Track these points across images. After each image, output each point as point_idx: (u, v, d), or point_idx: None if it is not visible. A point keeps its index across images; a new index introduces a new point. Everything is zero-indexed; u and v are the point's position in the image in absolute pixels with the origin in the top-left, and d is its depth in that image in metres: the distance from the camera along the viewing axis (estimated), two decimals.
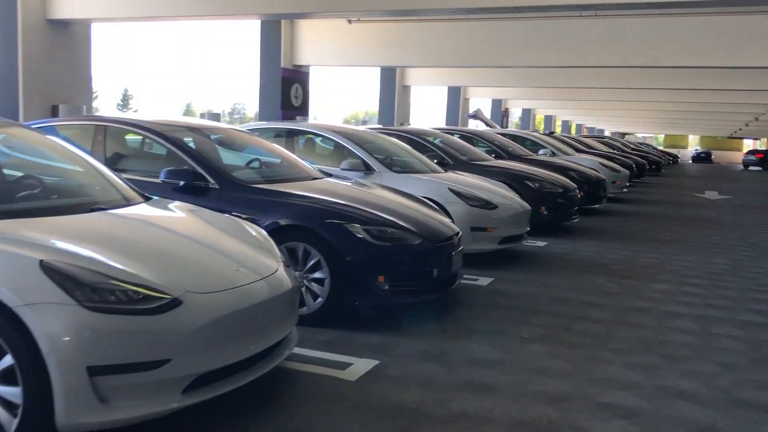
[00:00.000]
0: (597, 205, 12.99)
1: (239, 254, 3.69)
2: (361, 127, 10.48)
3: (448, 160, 10.10)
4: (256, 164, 6.34)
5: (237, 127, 8.33)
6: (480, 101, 26.97)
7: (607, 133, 58.75)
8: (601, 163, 15.15)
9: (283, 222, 4.94)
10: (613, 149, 26.74)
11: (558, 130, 43.89)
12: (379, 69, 18.26)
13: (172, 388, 2.95)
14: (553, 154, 15.12)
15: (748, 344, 4.98)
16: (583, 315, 5.61)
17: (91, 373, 2.74)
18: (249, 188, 5.23)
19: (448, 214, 6.95)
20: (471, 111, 21.83)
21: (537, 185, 9.86)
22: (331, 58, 13.35)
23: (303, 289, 4.89)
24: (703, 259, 8.48)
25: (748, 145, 76.29)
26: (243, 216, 4.93)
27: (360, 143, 7.88)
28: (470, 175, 8.84)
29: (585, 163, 14.70)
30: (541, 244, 9.07)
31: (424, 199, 6.41)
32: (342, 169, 7.43)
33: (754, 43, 12.25)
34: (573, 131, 47.02)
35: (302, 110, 13.66)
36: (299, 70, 13.76)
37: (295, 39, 13.28)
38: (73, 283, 2.81)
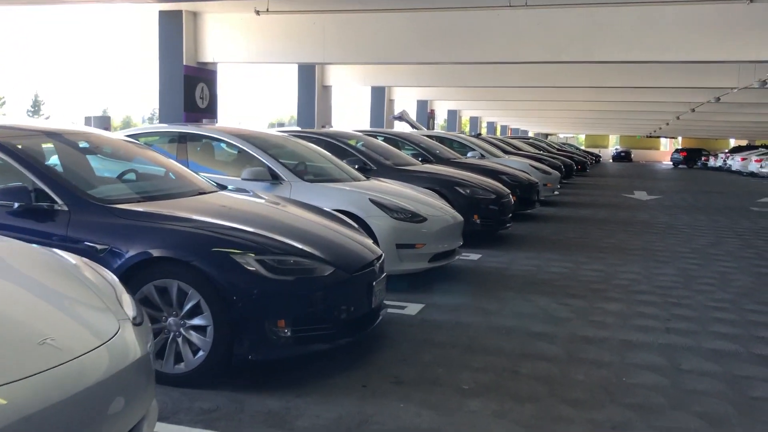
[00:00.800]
0: (530, 210, 12.27)
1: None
2: (273, 130, 9.35)
3: (371, 165, 9.12)
4: (131, 177, 5.17)
5: (117, 133, 7.09)
6: (405, 102, 26.16)
7: (530, 134, 59.36)
8: (531, 165, 14.48)
9: (153, 253, 3.80)
10: (540, 150, 26.52)
11: (483, 131, 43.74)
12: (296, 67, 17.12)
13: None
14: (482, 157, 14.37)
15: (727, 384, 4.16)
16: (532, 351, 4.69)
17: None
18: (109, 210, 4.05)
19: (369, 231, 5.97)
20: (396, 112, 20.96)
21: (468, 191, 8.99)
22: (241, 54, 12.13)
23: (180, 339, 3.77)
24: (649, 270, 7.76)
25: (665, 144, 78.87)
26: (98, 246, 3.79)
27: (265, 148, 6.78)
28: (395, 182, 7.87)
29: (515, 165, 14.00)
30: (474, 257, 8.18)
31: (341, 214, 5.39)
32: (243, 179, 6.32)
33: (683, 37, 11.74)
34: (498, 133, 46.99)
35: (209, 112, 12.42)
36: (205, 68, 12.49)
37: (199, 33, 12.01)
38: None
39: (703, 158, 51.90)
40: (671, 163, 53.68)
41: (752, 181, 29.65)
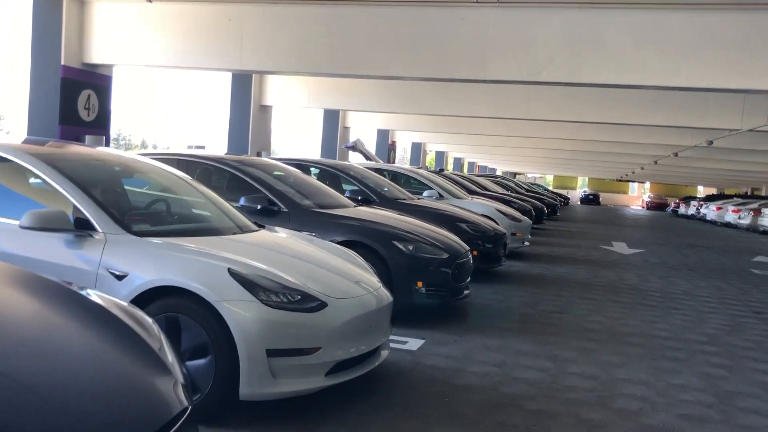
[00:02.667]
0: (496, 267, 9.87)
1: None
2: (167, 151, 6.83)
3: (279, 205, 6.64)
4: None
5: None
6: (364, 131, 23.81)
7: (498, 173, 57.67)
8: (498, 210, 12.11)
9: None
10: (508, 191, 24.39)
11: (450, 167, 41.67)
12: (230, 81, 14.63)
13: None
14: (440, 198, 11.98)
15: None
16: None
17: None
18: None
19: (220, 327, 3.51)
20: (350, 141, 18.56)
21: (411, 248, 6.54)
22: (139, 55, 9.58)
23: None
24: (661, 377, 5.35)
25: (633, 188, 77.94)
26: None
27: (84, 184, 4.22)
28: (299, 235, 5.36)
29: (479, 209, 11.62)
30: (413, 345, 5.71)
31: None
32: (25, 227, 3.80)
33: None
34: (465, 169, 44.97)
35: (99, 127, 9.81)
36: (94, 72, 9.89)
37: (87, 26, 9.44)
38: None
39: (673, 205, 50.65)
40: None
41: (731, 232, 27.80)
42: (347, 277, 4.54)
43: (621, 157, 30.02)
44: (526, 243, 12.73)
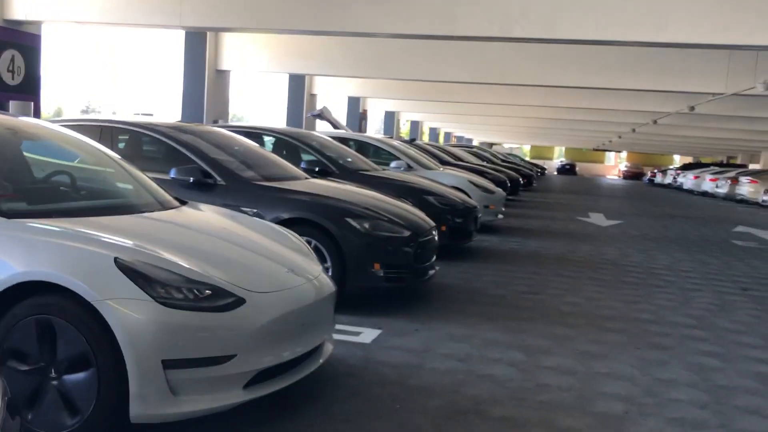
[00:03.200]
0: (466, 243, 9.18)
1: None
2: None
3: (216, 178, 5.86)
4: None
5: None
6: (333, 98, 22.89)
7: (475, 143, 57.00)
8: (470, 181, 11.39)
9: None
10: (484, 161, 23.73)
11: (425, 138, 40.88)
12: (184, 43, 13.63)
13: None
14: (409, 168, 11.23)
15: None
16: None
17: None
18: None
19: (96, 332, 2.75)
20: (316, 109, 17.66)
21: (367, 226, 5.79)
22: (71, 11, 8.59)
23: None
24: (648, 370, 4.70)
25: (610, 157, 77.73)
26: None
27: None
28: (222, 215, 4.57)
29: (450, 181, 10.91)
30: (367, 336, 5.01)
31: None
32: None
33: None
34: (441, 140, 44.20)
35: (26, 92, 8.87)
36: (17, 29, 8.91)
37: None
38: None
39: (650, 174, 50.42)
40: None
41: (709, 201, 27.43)
42: (278, 264, 3.79)
43: (598, 125, 29.42)
44: (500, 216, 12.06)
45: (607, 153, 74.45)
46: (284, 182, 6.35)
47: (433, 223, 6.68)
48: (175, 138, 6.17)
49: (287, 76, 18.76)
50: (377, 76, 17.69)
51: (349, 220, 5.72)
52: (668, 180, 41.53)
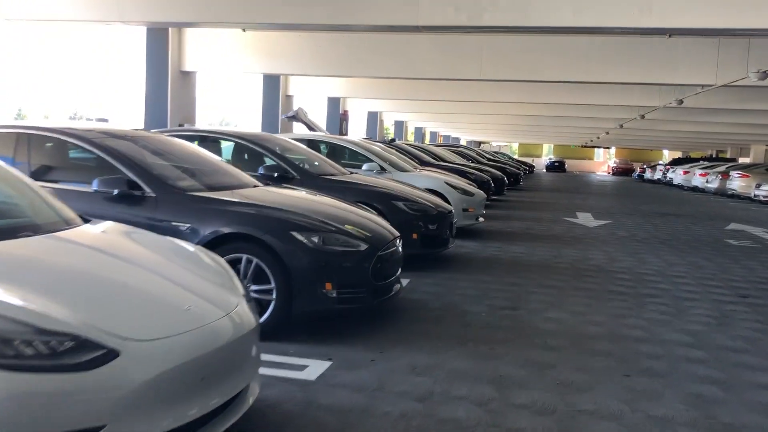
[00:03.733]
0: (441, 250, 8.49)
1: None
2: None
3: (145, 189, 5.13)
4: None
5: None
6: (312, 99, 22.19)
7: (463, 142, 56.43)
8: (447, 183, 10.70)
9: None
10: (469, 161, 23.09)
11: (410, 138, 40.22)
12: (145, 42, 12.87)
13: None
14: (383, 171, 10.53)
15: None
16: None
17: None
18: None
19: None
20: (290, 111, 16.96)
21: (317, 240, 5.07)
22: (6, 7, 7.81)
23: None
24: (639, 406, 4.01)
25: (598, 154, 77.33)
26: None
27: None
28: (126, 236, 3.85)
29: (424, 183, 10.26)
30: (311, 373, 4.30)
31: None
32: None
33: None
34: (427, 140, 43.56)
35: None
36: None
37: None
38: None
39: (639, 170, 49.94)
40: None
41: (700, 197, 26.88)
42: (179, 299, 3.07)
43: (586, 121, 28.89)
44: (480, 219, 11.37)
45: (596, 149, 74.12)
46: (229, 192, 5.62)
47: (396, 233, 5.98)
48: (101, 145, 5.44)
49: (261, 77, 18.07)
50: (354, 75, 17.07)
51: (295, 233, 5.00)
52: (658, 176, 41.00)
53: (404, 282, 6.92)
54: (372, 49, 13.93)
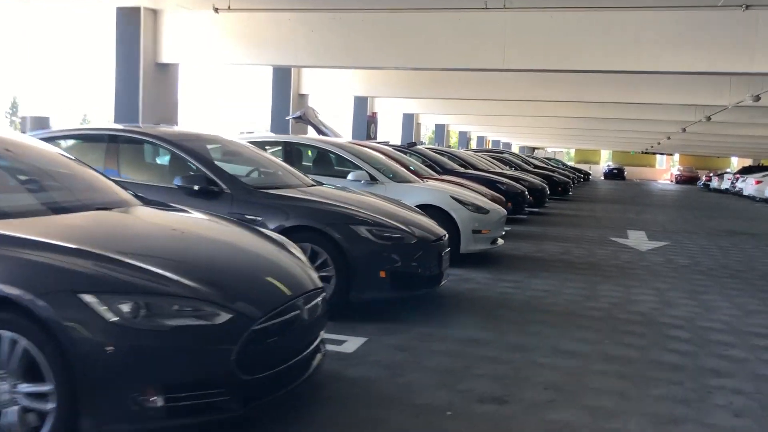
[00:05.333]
0: (423, 291, 6.29)
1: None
2: None
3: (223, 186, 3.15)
4: None
5: None
6: (330, 100, 20.22)
7: (514, 148, 53.83)
8: (454, 198, 8.48)
9: None
10: (511, 167, 20.83)
11: (453, 143, 37.98)
12: (114, 27, 11.07)
13: None
14: (373, 182, 8.44)
15: None
16: None
17: None
18: None
19: None
20: (297, 111, 14.99)
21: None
22: None
23: None
24: None
25: (660, 161, 73.23)
26: None
27: None
28: None
29: (423, 198, 8.20)
30: None
31: None
32: None
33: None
34: (473, 144, 41.18)
35: None
36: None
37: None
38: None
39: (705, 178, 46.38)
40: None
41: None
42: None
43: (644, 124, 26.13)
44: (499, 242, 9.11)
45: (658, 156, 70.11)
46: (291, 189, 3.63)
47: (319, 284, 3.85)
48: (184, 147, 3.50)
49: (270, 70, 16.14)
50: (380, 66, 14.57)
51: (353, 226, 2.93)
52: (725, 185, 37.61)
53: (356, 343, 4.82)
54: (400, 33, 11.47)
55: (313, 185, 6.76)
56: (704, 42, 9.43)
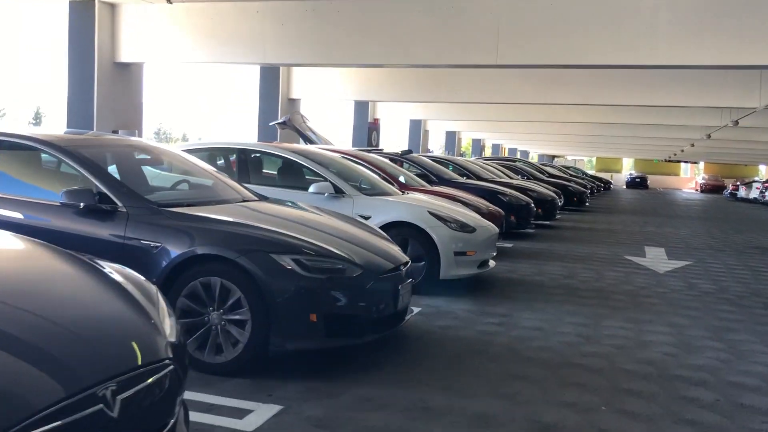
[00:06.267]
0: (370, 337, 4.99)
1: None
2: None
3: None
4: None
5: None
6: (323, 106, 19.05)
7: (533, 156, 52.40)
8: (432, 214, 7.19)
9: None
10: (523, 177, 19.61)
11: (468, 151, 36.67)
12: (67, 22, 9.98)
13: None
14: (339, 194, 7.20)
15: None
16: None
17: None
18: None
19: None
20: (284, 116, 13.81)
21: None
22: None
23: None
24: None
25: (685, 169, 71.15)
26: None
27: None
28: None
29: (394, 214, 6.93)
30: None
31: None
32: None
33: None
34: (488, 152, 39.84)
35: None
36: None
37: None
38: None
39: (731, 187, 44.57)
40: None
41: None
42: None
43: (668, 130, 24.61)
44: (490, 264, 7.79)
45: (682, 164, 68.08)
46: None
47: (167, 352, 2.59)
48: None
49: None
50: (356, 63, 13.25)
51: None
52: (754, 194, 35.94)
53: (264, 415, 3.57)
54: (380, 25, 10.29)
55: (255, 200, 5.57)
56: (730, 30, 8.06)
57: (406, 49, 9.84)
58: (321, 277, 4.35)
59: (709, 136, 23.51)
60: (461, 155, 30.18)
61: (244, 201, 5.45)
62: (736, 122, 17.26)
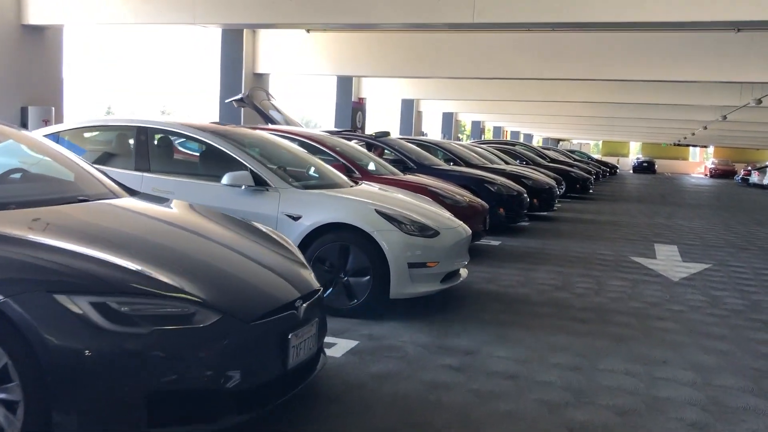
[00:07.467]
0: (271, 406, 3.34)
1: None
2: None
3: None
4: None
5: None
6: (298, 82, 17.33)
7: (537, 139, 50.69)
8: (380, 212, 5.50)
9: None
10: (522, 161, 18.02)
11: (467, 135, 34.93)
12: None
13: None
14: (263, 186, 5.55)
15: None
16: None
17: None
18: None
19: None
20: (241, 93, 12.13)
21: None
22: None
23: None
24: None
25: (694, 153, 69.12)
26: None
27: None
28: None
29: (326, 215, 5.27)
30: None
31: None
32: None
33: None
34: (489, 135, 38.08)
35: None
36: None
37: None
38: None
39: (743, 172, 42.70)
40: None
41: None
42: None
43: (676, 111, 22.85)
44: (463, 273, 6.13)
45: (691, 148, 66.03)
46: None
47: None
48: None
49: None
50: (337, 23, 11.48)
51: None
52: (767, 180, 34.12)
53: None
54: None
55: (117, 197, 3.95)
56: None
57: (368, 8, 8.13)
58: (142, 331, 2.71)
59: (725, 117, 21.69)
60: (458, 139, 28.51)
61: (99, 200, 3.84)
62: (759, 101, 15.47)
